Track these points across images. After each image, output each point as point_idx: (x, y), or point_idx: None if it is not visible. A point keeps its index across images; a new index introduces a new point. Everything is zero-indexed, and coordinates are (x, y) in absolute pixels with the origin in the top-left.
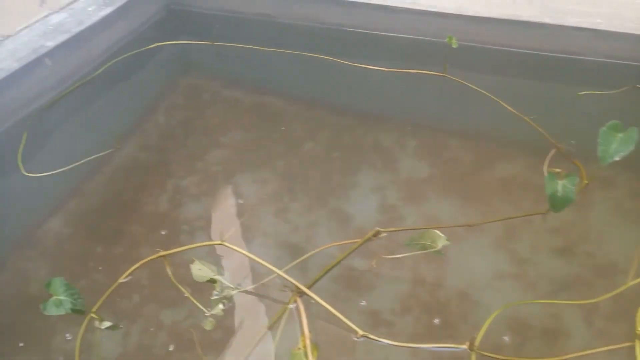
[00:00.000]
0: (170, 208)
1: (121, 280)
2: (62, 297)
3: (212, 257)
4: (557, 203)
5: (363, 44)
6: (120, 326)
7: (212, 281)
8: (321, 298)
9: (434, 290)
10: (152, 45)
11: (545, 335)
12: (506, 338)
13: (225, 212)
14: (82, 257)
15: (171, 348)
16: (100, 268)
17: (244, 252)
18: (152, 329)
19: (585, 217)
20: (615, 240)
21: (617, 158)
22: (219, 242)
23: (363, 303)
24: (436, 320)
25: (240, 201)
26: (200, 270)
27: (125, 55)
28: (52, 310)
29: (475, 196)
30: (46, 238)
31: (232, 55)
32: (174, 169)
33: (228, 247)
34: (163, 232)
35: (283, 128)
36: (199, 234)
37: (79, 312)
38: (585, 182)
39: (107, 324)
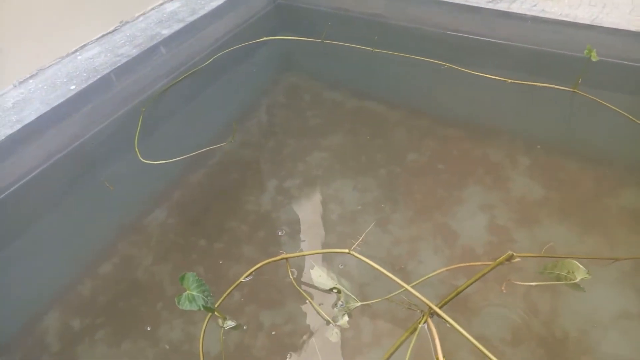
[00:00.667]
0: (271, 209)
1: (242, 279)
2: (194, 293)
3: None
4: None
5: (481, 52)
6: (245, 327)
7: (336, 290)
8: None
9: (550, 320)
10: (259, 40)
11: None
12: None
13: (327, 218)
14: (186, 249)
15: (290, 357)
16: (204, 262)
17: (373, 264)
18: (273, 332)
19: None
20: None
21: None
22: (346, 250)
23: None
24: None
25: (341, 207)
26: (320, 277)
27: (233, 48)
28: (185, 305)
29: (596, 225)
30: (151, 226)
31: (336, 55)
32: (276, 168)
33: (356, 257)
34: (263, 233)
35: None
36: (302, 237)
37: (208, 309)
38: None
39: (230, 323)
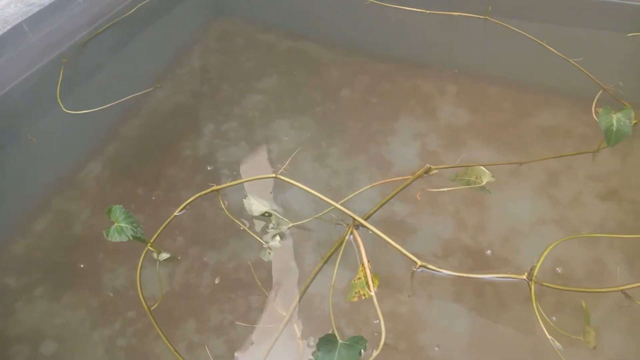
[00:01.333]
0: (209, 152)
1: (177, 213)
2: (123, 225)
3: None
4: (612, 137)
5: None
6: (179, 257)
7: (267, 214)
8: (366, 240)
9: (476, 234)
10: None
11: (590, 275)
12: (559, 269)
13: (265, 157)
14: (124, 199)
15: (217, 281)
16: (143, 210)
17: (300, 185)
18: (205, 259)
19: (625, 164)
20: None
21: None
22: (273, 175)
23: (408, 244)
24: (488, 252)
25: (279, 146)
26: (253, 205)
27: None
28: (114, 237)
29: (516, 144)
30: (87, 179)
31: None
32: (211, 113)
33: (283, 179)
34: (201, 176)
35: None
36: (242, 176)
37: (140, 239)
38: (635, 122)
39: (165, 255)
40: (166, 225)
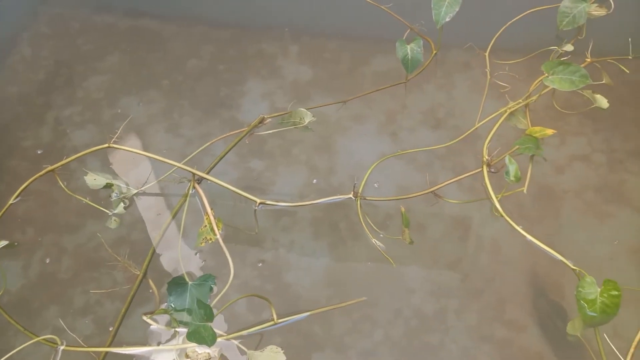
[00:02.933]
0: (54, 139)
1: (12, 201)
2: None
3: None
4: (409, 65)
5: None
6: (16, 243)
7: (109, 186)
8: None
9: (328, 176)
10: None
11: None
12: (376, 185)
13: (114, 135)
14: None
15: (77, 262)
16: None
17: (134, 150)
18: (62, 244)
19: (449, 96)
20: (475, 112)
21: (447, 19)
22: (105, 145)
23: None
24: (314, 180)
25: (129, 123)
26: (95, 180)
27: None
28: None
29: (355, 90)
30: None
31: None
32: (51, 99)
33: (115, 147)
34: (49, 163)
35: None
36: (89, 160)
37: None
38: (435, 51)
39: (2, 242)
40: (5, 216)
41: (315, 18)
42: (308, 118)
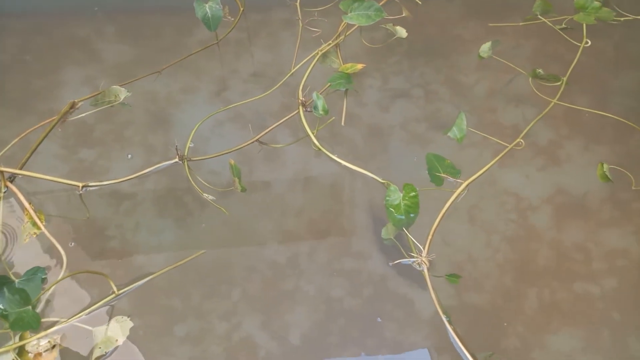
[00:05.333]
0: None
1: None
2: None
3: None
4: (210, 23)
5: None
6: None
7: None
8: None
9: (164, 151)
10: None
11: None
12: (192, 144)
13: None
14: None
15: None
16: None
17: None
18: None
19: (276, 54)
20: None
21: None
22: None
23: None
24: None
25: None
26: None
27: None
28: None
29: (183, 63)
30: None
31: None
32: None
33: None
34: None
35: None
36: None
37: None
38: (242, 9)
39: None
40: None
41: None
42: (123, 94)
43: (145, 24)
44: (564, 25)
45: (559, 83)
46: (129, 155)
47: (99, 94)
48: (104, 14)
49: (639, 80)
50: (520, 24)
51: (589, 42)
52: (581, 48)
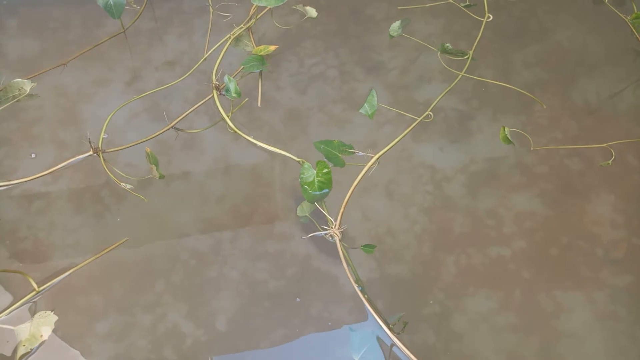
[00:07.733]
0: None
1: None
2: None
3: None
4: (113, 10)
5: None
6: None
7: None
8: None
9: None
10: None
11: None
12: (106, 135)
13: None
14: None
15: None
16: None
17: None
18: None
19: (190, 42)
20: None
21: None
22: None
23: None
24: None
25: None
26: None
27: None
28: None
29: (94, 54)
30: None
31: None
32: None
33: None
34: None
35: None
36: None
37: None
38: None
39: None
40: None
41: None
42: (28, 86)
43: (50, 17)
44: (467, 3)
45: (466, 57)
46: (33, 155)
47: (0, 90)
48: (4, 7)
49: (539, 53)
50: (427, 5)
51: (491, 17)
52: (483, 23)
